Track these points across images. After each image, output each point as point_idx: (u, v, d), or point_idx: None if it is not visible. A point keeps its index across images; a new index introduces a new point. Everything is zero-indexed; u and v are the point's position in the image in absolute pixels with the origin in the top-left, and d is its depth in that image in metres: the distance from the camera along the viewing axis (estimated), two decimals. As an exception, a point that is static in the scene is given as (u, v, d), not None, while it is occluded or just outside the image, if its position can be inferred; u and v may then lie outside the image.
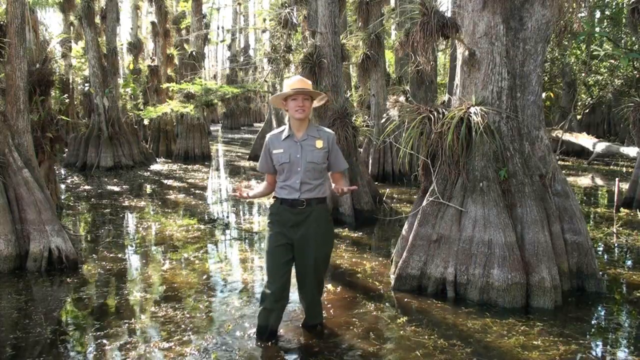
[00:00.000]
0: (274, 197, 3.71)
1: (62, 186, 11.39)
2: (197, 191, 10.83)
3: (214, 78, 30.10)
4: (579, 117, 18.10)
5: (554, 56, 15.31)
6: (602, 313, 4.39)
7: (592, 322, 4.21)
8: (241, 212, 8.91)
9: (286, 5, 10.64)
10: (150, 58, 21.27)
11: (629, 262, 5.76)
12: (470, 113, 4.60)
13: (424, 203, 4.81)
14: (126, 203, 9.46)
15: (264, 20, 18.36)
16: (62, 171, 13.88)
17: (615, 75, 15.52)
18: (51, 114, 8.14)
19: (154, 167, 15.38)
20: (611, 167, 13.69)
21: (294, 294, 3.92)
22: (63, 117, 13.01)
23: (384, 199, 9.20)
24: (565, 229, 4.74)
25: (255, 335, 3.74)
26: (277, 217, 3.62)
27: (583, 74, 15.93)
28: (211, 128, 33.12)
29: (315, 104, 3.72)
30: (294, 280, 3.69)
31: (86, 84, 15.79)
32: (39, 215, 5.49)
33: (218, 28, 36.00)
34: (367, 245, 6.56)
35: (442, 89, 15.04)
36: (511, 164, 4.69)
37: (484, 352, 3.55)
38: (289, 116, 3.64)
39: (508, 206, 4.59)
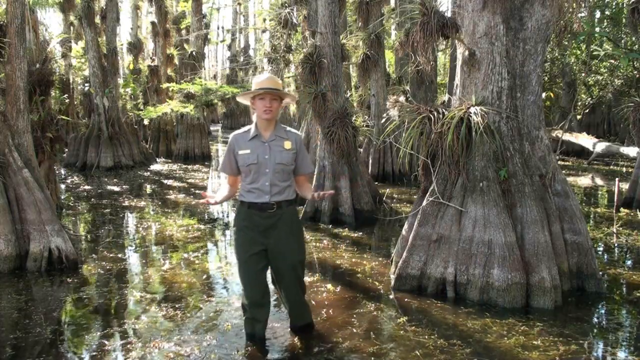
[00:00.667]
0: (240, 201, 3.52)
1: (62, 186, 11.39)
2: (197, 191, 10.82)
3: (214, 78, 30.09)
4: (579, 117, 18.11)
5: (554, 56, 15.31)
6: (602, 313, 4.39)
7: (592, 322, 4.21)
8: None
9: (286, 5, 10.65)
10: (150, 58, 21.27)
11: (629, 262, 5.76)
12: (470, 113, 4.60)
13: (424, 203, 4.81)
14: (126, 203, 9.46)
15: (264, 20, 18.37)
16: (62, 171, 13.88)
17: (615, 75, 15.52)
18: (51, 114, 8.14)
19: (154, 167, 15.38)
20: (611, 167, 13.70)
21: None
22: (63, 117, 13.02)
23: (384, 199, 9.20)
24: (565, 229, 4.74)
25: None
26: (247, 223, 3.45)
27: (583, 74, 15.93)
28: (211, 128, 33.11)
29: (285, 102, 3.57)
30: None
31: (86, 84, 15.79)
32: (39, 215, 5.49)
33: (218, 28, 36.03)
34: (367, 245, 6.56)
35: (442, 89, 15.04)
36: (511, 164, 4.69)
37: (484, 352, 3.55)
38: (255, 115, 3.45)
39: (508, 206, 4.59)
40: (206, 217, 8.34)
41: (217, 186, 12.01)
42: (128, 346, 3.67)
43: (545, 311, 4.25)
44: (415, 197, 6.10)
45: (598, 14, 15.04)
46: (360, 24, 11.93)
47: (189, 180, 12.63)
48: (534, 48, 4.78)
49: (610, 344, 3.83)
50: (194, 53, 18.05)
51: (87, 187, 11.42)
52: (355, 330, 3.91)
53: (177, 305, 4.43)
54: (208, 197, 3.44)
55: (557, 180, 4.82)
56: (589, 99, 17.75)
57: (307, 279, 5.08)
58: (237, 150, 3.45)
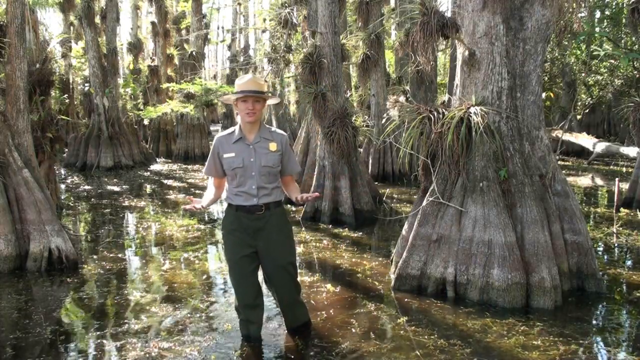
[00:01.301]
0: (228, 204, 3.49)
1: (62, 186, 11.40)
2: (197, 191, 10.82)
3: (214, 78, 30.10)
4: (579, 117, 18.11)
5: (554, 56, 15.32)
6: (602, 313, 4.38)
7: (592, 322, 4.21)
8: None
9: (286, 5, 10.64)
10: (150, 58, 21.29)
11: (629, 262, 5.76)
12: (470, 113, 4.60)
13: (424, 203, 4.81)
14: (126, 203, 9.46)
15: (264, 20, 18.36)
16: (62, 171, 13.89)
17: (615, 75, 15.52)
18: (51, 114, 8.14)
19: (154, 167, 15.39)
20: (611, 167, 13.69)
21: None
22: (63, 117, 13.02)
23: (384, 199, 9.20)
24: (565, 229, 4.74)
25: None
26: (235, 226, 3.43)
27: (583, 74, 15.93)
28: (211, 128, 33.02)
29: (269, 102, 3.49)
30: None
31: (86, 84, 15.81)
32: (39, 215, 5.49)
33: (218, 28, 36.02)
34: (367, 245, 6.56)
35: (442, 89, 15.05)
36: (511, 164, 4.69)
37: (484, 352, 3.55)
38: (239, 117, 3.38)
39: (508, 206, 4.59)
40: (206, 217, 8.34)
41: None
42: (128, 346, 3.67)
43: (545, 311, 4.25)
44: (415, 197, 6.10)
45: (598, 14, 15.04)
46: (360, 24, 11.93)
47: (189, 181, 12.63)
48: (534, 48, 4.78)
49: (610, 344, 3.83)
50: (194, 53, 18.06)
51: (87, 187, 11.43)
52: (355, 330, 3.91)
53: (176, 306, 4.43)
54: (194, 201, 3.38)
55: (557, 180, 4.82)
56: (589, 99, 17.75)
57: (307, 278, 5.08)
58: (222, 154, 3.41)
